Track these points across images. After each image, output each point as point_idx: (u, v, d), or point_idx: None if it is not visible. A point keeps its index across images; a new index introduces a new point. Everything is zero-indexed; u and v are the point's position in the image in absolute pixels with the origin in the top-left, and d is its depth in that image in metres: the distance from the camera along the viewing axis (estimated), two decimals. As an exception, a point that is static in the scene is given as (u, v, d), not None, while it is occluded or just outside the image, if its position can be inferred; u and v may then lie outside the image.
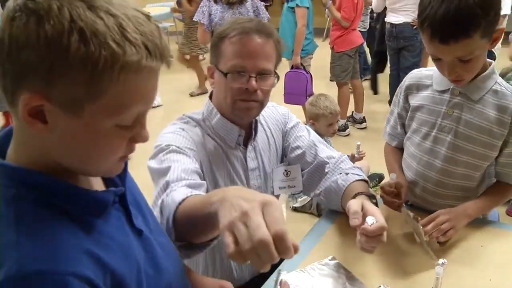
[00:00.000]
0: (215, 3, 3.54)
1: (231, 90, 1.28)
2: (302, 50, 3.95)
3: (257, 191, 1.48)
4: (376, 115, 4.56)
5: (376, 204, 1.25)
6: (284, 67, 1.25)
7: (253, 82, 1.25)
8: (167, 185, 1.14)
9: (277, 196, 1.56)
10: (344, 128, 4.28)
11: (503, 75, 2.48)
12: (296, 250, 0.69)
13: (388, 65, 4.47)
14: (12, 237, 0.64)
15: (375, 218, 1.07)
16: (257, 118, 1.41)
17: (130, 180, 0.88)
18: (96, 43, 0.60)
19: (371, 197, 1.27)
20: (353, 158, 2.77)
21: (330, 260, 1.27)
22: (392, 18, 4.03)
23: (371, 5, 4.69)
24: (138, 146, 0.75)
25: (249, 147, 1.41)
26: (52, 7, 0.60)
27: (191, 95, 5.65)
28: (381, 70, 4.83)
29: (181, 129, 1.32)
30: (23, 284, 0.61)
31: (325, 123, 3.01)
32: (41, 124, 0.64)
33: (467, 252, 1.30)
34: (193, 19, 3.87)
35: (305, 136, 1.50)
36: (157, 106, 5.10)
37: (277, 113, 1.53)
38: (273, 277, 0.84)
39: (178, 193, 1.06)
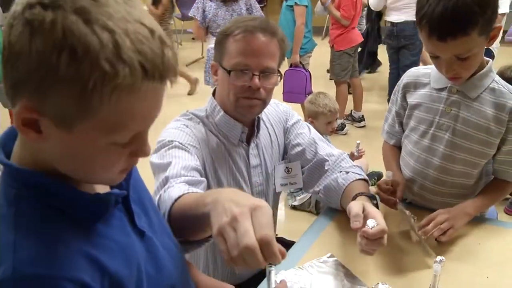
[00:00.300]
0: (209, 0, 3.60)
1: (234, 88, 1.28)
2: (301, 48, 3.96)
3: (259, 188, 1.50)
4: (375, 113, 4.57)
5: (376, 206, 1.26)
6: (283, 65, 1.26)
7: (256, 80, 1.26)
8: (166, 180, 1.14)
9: (279, 193, 1.57)
10: (341, 127, 4.28)
11: (499, 74, 2.49)
12: (283, 255, 0.70)
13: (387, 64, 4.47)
14: (11, 238, 0.64)
15: (376, 221, 1.07)
16: (259, 115, 1.41)
17: (136, 178, 0.87)
18: (87, 62, 0.56)
19: (372, 198, 1.27)
20: (352, 157, 2.77)
21: (328, 257, 1.27)
22: (393, 17, 4.01)
23: (366, 7, 4.68)
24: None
25: (252, 144, 1.42)
26: (45, 20, 0.57)
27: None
28: (374, 70, 4.89)
29: (185, 125, 1.33)
30: (18, 287, 0.61)
31: (324, 121, 3.02)
32: (35, 133, 0.62)
33: (465, 249, 1.30)
34: (189, 14, 4.01)
35: (306, 134, 1.51)
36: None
37: (278, 110, 1.54)
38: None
39: (175, 190, 1.07)
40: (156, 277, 0.80)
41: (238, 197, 0.73)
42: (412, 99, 1.45)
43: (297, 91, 3.90)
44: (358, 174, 1.41)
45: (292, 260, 1.27)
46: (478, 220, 1.46)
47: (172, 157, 1.21)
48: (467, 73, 1.28)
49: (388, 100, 4.16)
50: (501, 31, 1.34)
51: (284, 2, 4.04)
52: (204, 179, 1.22)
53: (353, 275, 1.21)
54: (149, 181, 1.16)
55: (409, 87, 1.47)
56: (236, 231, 0.68)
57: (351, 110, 4.49)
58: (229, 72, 1.27)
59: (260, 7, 3.87)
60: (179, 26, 7.67)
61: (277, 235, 1.69)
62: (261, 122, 1.45)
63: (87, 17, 0.57)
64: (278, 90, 1.40)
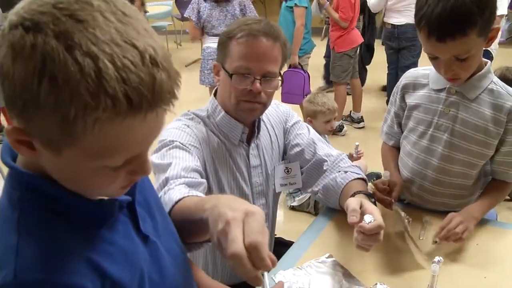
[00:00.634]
0: (204, 1, 3.66)
1: (235, 91, 1.29)
2: (300, 49, 3.97)
3: (259, 188, 1.51)
4: (374, 114, 4.57)
5: (374, 203, 1.26)
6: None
7: (257, 85, 1.26)
8: (166, 181, 1.14)
9: (279, 193, 1.57)
10: (340, 128, 4.28)
11: (501, 76, 2.50)
12: (273, 263, 0.69)
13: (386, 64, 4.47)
14: (13, 241, 0.64)
15: (373, 216, 1.08)
16: (260, 116, 1.42)
17: (143, 180, 0.85)
18: (68, 92, 0.53)
19: (370, 196, 1.28)
20: (351, 158, 2.78)
21: (327, 257, 1.27)
22: (394, 19, 4.01)
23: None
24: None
25: (252, 145, 1.42)
26: (25, 45, 0.54)
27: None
28: (368, 62, 4.91)
29: (186, 125, 1.33)
30: None
31: (322, 120, 3.02)
32: (29, 150, 0.61)
33: (462, 250, 1.31)
34: (184, 15, 4.06)
35: (305, 134, 1.51)
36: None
37: (279, 111, 1.54)
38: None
39: (175, 192, 1.07)
40: (159, 282, 0.80)
41: (234, 203, 0.73)
42: (411, 100, 1.46)
43: (295, 92, 3.90)
44: (356, 173, 1.42)
45: (291, 260, 1.27)
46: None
47: (172, 158, 1.22)
48: (466, 74, 1.29)
49: (387, 101, 4.18)
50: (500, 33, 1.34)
51: (284, 2, 4.04)
52: (204, 180, 1.22)
53: (352, 275, 1.21)
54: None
55: (408, 88, 1.47)
56: (227, 237, 0.68)
57: (350, 111, 4.49)
58: (230, 75, 1.27)
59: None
60: (179, 26, 7.67)
61: (276, 235, 1.70)
62: (262, 122, 1.45)
63: (69, 43, 0.53)
64: (277, 90, 1.41)
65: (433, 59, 1.27)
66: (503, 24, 3.81)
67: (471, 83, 1.33)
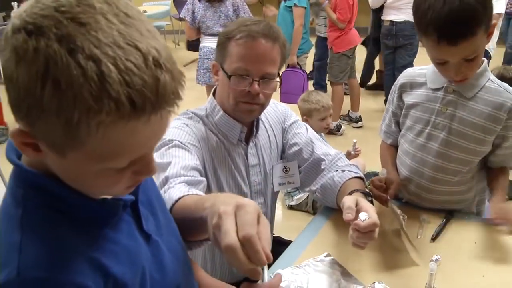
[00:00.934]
0: (198, 1, 3.69)
1: (234, 92, 1.29)
2: (298, 49, 3.97)
3: (258, 187, 1.51)
4: (372, 113, 4.57)
5: (371, 202, 1.26)
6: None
7: (256, 86, 1.26)
8: (166, 180, 1.15)
9: (277, 192, 1.57)
10: (338, 128, 4.28)
11: (499, 75, 2.51)
12: (268, 258, 0.67)
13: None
14: (17, 238, 0.64)
15: (368, 214, 1.08)
16: (258, 116, 1.42)
17: (145, 179, 0.84)
18: (71, 95, 0.53)
19: (367, 195, 1.28)
20: (349, 155, 2.78)
21: (325, 256, 1.28)
22: (392, 16, 4.01)
23: None
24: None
25: (251, 144, 1.42)
26: (28, 49, 0.54)
27: None
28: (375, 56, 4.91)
29: (185, 124, 1.33)
30: None
31: (318, 118, 3.02)
32: (34, 152, 0.62)
33: (460, 248, 1.31)
34: (179, 15, 4.11)
35: (303, 133, 1.52)
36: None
37: (277, 110, 1.54)
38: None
39: (175, 191, 1.07)
40: (160, 280, 0.81)
41: (229, 199, 0.72)
42: (408, 98, 1.46)
43: (294, 92, 3.90)
44: (354, 172, 1.42)
45: (289, 259, 1.28)
46: (473, 219, 1.48)
47: (172, 157, 1.22)
48: (472, 73, 1.30)
49: (385, 101, 4.18)
50: (498, 33, 1.36)
51: (283, 2, 4.05)
52: (203, 178, 1.23)
53: (350, 274, 1.21)
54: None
55: (405, 87, 1.48)
56: (220, 231, 0.67)
57: (349, 110, 4.49)
58: (229, 76, 1.27)
59: None
60: (177, 26, 7.67)
61: (274, 234, 1.70)
62: (260, 122, 1.46)
63: (71, 46, 0.53)
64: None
65: (441, 64, 1.26)
66: (499, 24, 3.82)
67: (469, 81, 1.33)
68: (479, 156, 1.42)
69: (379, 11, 4.28)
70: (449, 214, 1.44)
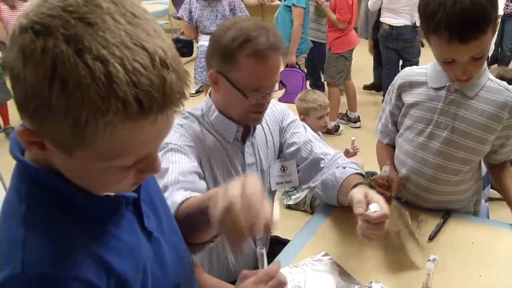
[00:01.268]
0: (195, 1, 3.72)
1: (247, 105, 1.29)
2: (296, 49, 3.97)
3: None
4: (371, 114, 4.57)
5: None
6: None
7: (268, 98, 1.30)
8: (165, 188, 1.16)
9: (274, 192, 1.57)
10: (336, 128, 4.27)
11: (499, 77, 2.51)
12: (269, 225, 0.73)
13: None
14: (21, 234, 0.64)
15: (378, 205, 1.09)
16: None
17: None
18: (79, 96, 0.53)
19: (371, 188, 1.29)
20: (347, 153, 2.79)
21: (323, 256, 1.28)
22: (392, 20, 3.99)
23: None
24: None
25: (247, 143, 1.43)
26: (36, 49, 0.54)
27: None
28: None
29: (179, 125, 1.33)
30: (25, 285, 0.62)
31: (315, 116, 3.02)
32: (40, 150, 0.62)
33: (458, 248, 1.31)
34: (177, 15, 4.18)
35: (301, 133, 1.52)
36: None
37: (275, 109, 1.54)
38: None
39: (177, 196, 1.09)
40: (161, 278, 0.81)
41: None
42: (408, 98, 1.46)
43: (292, 91, 3.89)
44: (355, 169, 1.43)
45: (287, 259, 1.28)
46: (471, 219, 1.48)
47: (169, 162, 1.22)
48: (477, 72, 1.31)
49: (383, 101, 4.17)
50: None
51: (282, 1, 4.04)
52: (203, 183, 1.24)
53: (348, 274, 1.22)
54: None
55: (404, 87, 1.48)
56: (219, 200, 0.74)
57: (347, 110, 4.49)
58: (245, 95, 1.26)
59: None
60: (175, 25, 7.65)
61: (272, 233, 1.70)
62: None
63: (79, 47, 0.53)
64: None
65: (448, 63, 1.26)
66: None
67: (470, 81, 1.34)
68: (480, 155, 1.43)
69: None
70: (447, 214, 1.45)
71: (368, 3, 4.18)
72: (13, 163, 0.72)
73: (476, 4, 1.14)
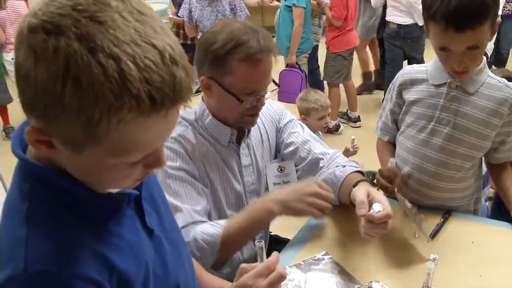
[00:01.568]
0: (195, 1, 3.74)
1: (241, 109, 1.29)
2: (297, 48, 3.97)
3: (252, 187, 1.52)
4: (371, 113, 4.57)
5: None
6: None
7: (263, 100, 1.30)
8: (184, 225, 1.23)
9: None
10: (336, 128, 4.27)
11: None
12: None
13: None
14: (23, 233, 0.64)
15: (381, 205, 1.09)
16: None
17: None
18: (92, 94, 0.54)
19: (372, 185, 1.29)
20: (347, 152, 2.79)
21: (322, 255, 1.28)
22: (398, 18, 3.99)
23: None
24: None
25: (243, 144, 1.42)
26: (48, 48, 0.54)
27: None
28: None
29: (173, 139, 1.31)
30: (28, 283, 0.62)
31: (316, 117, 3.01)
32: (48, 149, 0.62)
33: (458, 248, 1.31)
34: (178, 14, 4.20)
35: (299, 132, 1.51)
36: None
37: (271, 109, 1.54)
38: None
39: (209, 228, 1.24)
40: (162, 276, 0.81)
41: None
42: (409, 95, 1.47)
43: (292, 91, 3.89)
44: (355, 167, 1.43)
45: (286, 258, 1.28)
46: (471, 218, 1.48)
47: (177, 195, 1.27)
48: (474, 66, 1.32)
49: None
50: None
51: (283, 1, 4.03)
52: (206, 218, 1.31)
53: (347, 273, 1.22)
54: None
55: (405, 85, 1.48)
56: None
57: (347, 110, 4.49)
58: (240, 100, 1.26)
59: None
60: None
61: (271, 232, 1.70)
62: None
63: (91, 45, 0.54)
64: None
65: (444, 52, 1.28)
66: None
67: (470, 77, 1.36)
68: (482, 151, 1.44)
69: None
70: (447, 214, 1.45)
71: (371, 0, 4.17)
72: (13, 163, 0.72)
73: None
